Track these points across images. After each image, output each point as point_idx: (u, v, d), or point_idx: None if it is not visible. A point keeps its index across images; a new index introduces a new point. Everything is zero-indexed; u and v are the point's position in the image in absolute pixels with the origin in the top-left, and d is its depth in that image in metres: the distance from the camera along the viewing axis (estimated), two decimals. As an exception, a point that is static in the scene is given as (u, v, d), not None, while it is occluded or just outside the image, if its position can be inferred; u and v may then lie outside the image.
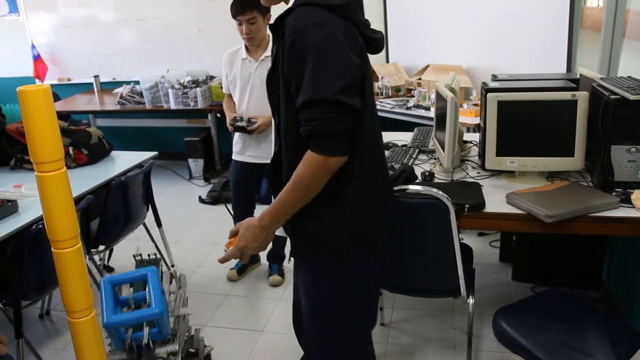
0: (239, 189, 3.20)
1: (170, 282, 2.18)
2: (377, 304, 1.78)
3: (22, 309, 2.32)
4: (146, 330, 1.96)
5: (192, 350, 2.30)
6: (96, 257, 3.02)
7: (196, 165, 5.20)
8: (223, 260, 1.56)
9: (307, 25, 1.36)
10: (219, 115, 4.98)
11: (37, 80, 5.53)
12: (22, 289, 2.30)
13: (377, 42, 1.54)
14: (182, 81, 5.01)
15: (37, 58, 5.60)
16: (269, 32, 2.96)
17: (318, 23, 1.37)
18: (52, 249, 1.33)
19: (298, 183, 1.44)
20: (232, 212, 3.18)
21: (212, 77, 5.21)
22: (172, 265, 3.47)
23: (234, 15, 2.84)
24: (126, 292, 2.00)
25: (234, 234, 1.57)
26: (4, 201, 2.35)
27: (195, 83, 5.02)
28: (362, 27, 1.48)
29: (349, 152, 1.43)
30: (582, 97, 2.11)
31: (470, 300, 2.19)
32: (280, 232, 1.65)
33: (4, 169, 3.00)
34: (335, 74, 1.35)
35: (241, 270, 3.34)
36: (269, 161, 2.97)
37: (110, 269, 3.42)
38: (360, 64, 1.41)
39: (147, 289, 1.93)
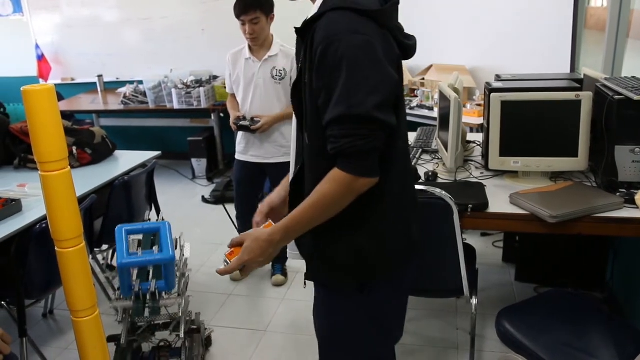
0: (241, 189, 3.20)
1: (176, 248, 2.24)
2: (398, 329, 1.63)
3: (25, 308, 2.32)
4: (153, 282, 2.03)
5: (194, 327, 2.37)
6: (99, 257, 3.02)
7: (199, 165, 5.20)
8: (223, 273, 1.44)
9: (341, 33, 1.23)
10: (222, 115, 4.98)
11: (41, 80, 5.55)
12: (25, 288, 2.31)
13: (409, 48, 1.42)
14: (185, 81, 5.02)
15: (41, 58, 5.61)
16: (272, 32, 2.99)
17: (353, 30, 1.24)
18: (55, 248, 1.33)
19: (319, 202, 1.31)
20: (230, 215, 3.18)
21: (215, 77, 5.22)
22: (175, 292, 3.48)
23: (238, 16, 2.84)
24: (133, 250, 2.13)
25: (236, 244, 1.44)
26: (7, 200, 2.36)
27: (199, 83, 5.02)
28: (396, 33, 1.36)
29: (380, 173, 1.30)
30: (586, 98, 2.10)
31: (474, 301, 2.19)
32: (294, 256, 1.57)
33: (7, 168, 3.01)
34: (371, 88, 1.23)
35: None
36: (272, 161, 3.05)
37: (113, 268, 3.43)
38: (397, 78, 1.30)
39: (156, 245, 2.08)
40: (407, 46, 1.40)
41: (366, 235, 1.39)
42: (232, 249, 1.45)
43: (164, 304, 2.09)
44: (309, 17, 1.33)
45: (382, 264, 1.42)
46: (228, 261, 1.44)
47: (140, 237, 2.19)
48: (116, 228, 2.08)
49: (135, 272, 2.10)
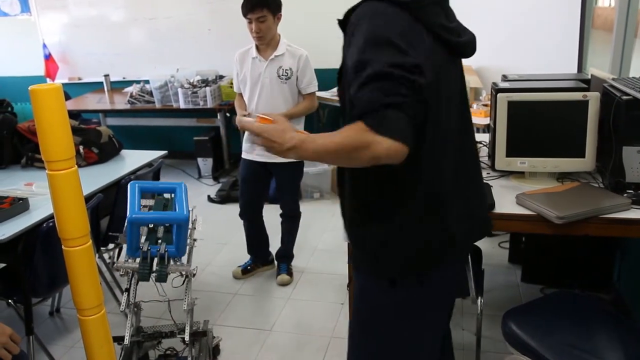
0: (247, 187, 3.21)
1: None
2: (433, 341, 1.57)
3: (32, 306, 2.33)
4: (163, 245, 1.97)
5: (199, 331, 2.34)
6: (105, 256, 3.03)
7: (205, 164, 5.21)
8: (240, 124, 1.37)
9: (365, 16, 1.29)
10: (228, 114, 4.99)
11: (48, 80, 5.58)
12: (32, 287, 2.32)
13: (462, 46, 1.41)
14: (191, 80, 5.03)
15: (48, 57, 5.64)
16: (279, 31, 2.99)
17: (377, 13, 1.28)
18: (62, 247, 1.33)
19: (336, 147, 1.21)
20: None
21: (221, 77, 5.22)
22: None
23: (245, 14, 2.85)
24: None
25: (270, 118, 1.31)
26: (15, 199, 2.37)
27: (205, 82, 5.03)
28: (438, 30, 1.34)
29: (412, 145, 1.20)
30: (593, 98, 2.09)
31: (479, 301, 2.18)
32: (344, 237, 1.56)
33: (15, 167, 3.02)
34: (386, 53, 1.21)
35: (247, 270, 3.35)
36: (277, 160, 3.04)
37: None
38: (416, 62, 1.24)
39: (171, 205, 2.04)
40: (456, 44, 1.39)
41: (394, 230, 1.38)
42: (266, 118, 1.33)
43: (172, 269, 2.00)
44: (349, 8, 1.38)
45: (409, 260, 1.41)
46: (256, 120, 1.33)
47: (152, 202, 2.12)
48: (129, 183, 2.00)
49: (144, 233, 2.01)
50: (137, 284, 2.09)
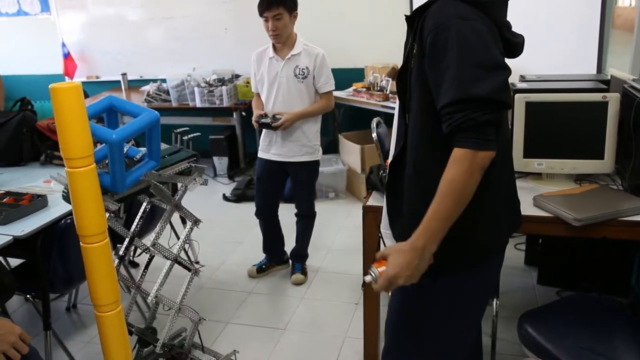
0: (262, 186, 3.22)
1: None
2: (473, 326, 1.61)
3: (50, 301, 2.36)
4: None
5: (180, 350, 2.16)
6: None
7: (221, 163, 5.24)
8: (378, 290, 1.38)
9: (450, 19, 1.29)
10: (244, 113, 5.01)
11: (66, 78, 5.64)
12: (50, 282, 2.34)
13: (517, 46, 1.45)
14: (208, 79, 5.05)
15: (67, 56, 5.71)
16: (296, 31, 3.00)
17: (462, 17, 1.29)
18: (80, 243, 1.35)
19: (448, 189, 1.28)
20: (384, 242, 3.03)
21: (237, 76, 5.24)
22: (197, 262, 3.50)
23: (261, 13, 2.86)
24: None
25: (382, 257, 1.39)
26: (34, 196, 2.40)
27: (221, 81, 5.05)
28: (504, 29, 1.39)
29: (496, 147, 1.30)
30: (613, 99, 2.06)
31: (495, 303, 2.16)
32: (387, 234, 1.56)
33: (34, 164, 3.06)
34: (484, 72, 1.26)
35: (262, 269, 3.36)
36: (293, 159, 3.06)
37: (135, 264, 3.47)
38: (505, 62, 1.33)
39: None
40: (514, 44, 1.43)
41: (468, 222, 1.37)
42: (380, 260, 1.38)
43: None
44: (420, 5, 1.39)
45: (477, 251, 1.42)
46: (374, 271, 1.37)
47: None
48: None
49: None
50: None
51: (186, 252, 3.36)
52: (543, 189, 2.11)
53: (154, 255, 2.09)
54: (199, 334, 2.20)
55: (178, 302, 2.09)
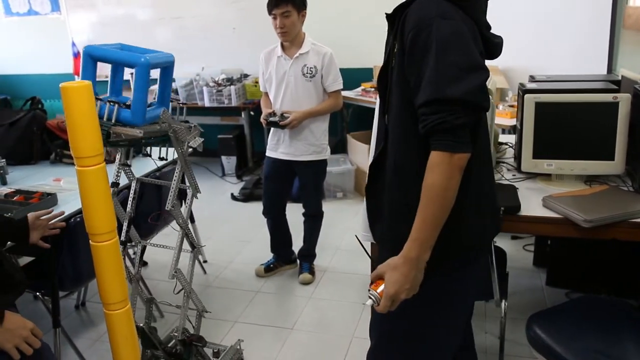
0: (270, 185, 3.22)
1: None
2: (458, 327, 1.60)
3: (59, 299, 2.38)
4: (116, 107, 1.74)
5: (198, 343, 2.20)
6: (130, 251, 3.07)
7: (229, 162, 5.25)
8: (382, 311, 1.36)
9: (432, 18, 1.28)
10: (252, 113, 5.02)
11: (76, 77, 5.67)
12: (59, 280, 2.36)
13: (496, 47, 1.44)
14: (216, 79, 5.07)
15: (77, 55, 5.74)
16: (304, 30, 3.00)
17: (443, 15, 1.28)
18: (90, 242, 1.35)
19: (432, 192, 1.29)
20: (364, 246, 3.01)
21: (246, 75, 5.25)
22: (205, 261, 3.51)
23: (270, 10, 2.87)
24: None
25: (377, 277, 1.38)
26: (43, 194, 2.41)
27: (230, 81, 5.07)
28: (483, 29, 1.39)
29: (472, 148, 1.31)
30: (623, 100, 2.05)
31: (503, 304, 2.16)
32: (366, 237, 1.55)
33: (44, 163, 3.08)
34: (461, 72, 1.26)
35: (270, 268, 3.36)
36: (301, 158, 3.06)
37: (144, 263, 3.48)
38: (484, 64, 1.33)
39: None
40: (493, 44, 1.42)
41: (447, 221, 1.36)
42: (376, 281, 1.38)
43: (123, 132, 1.79)
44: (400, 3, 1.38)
45: (451, 249, 1.40)
46: (374, 294, 1.36)
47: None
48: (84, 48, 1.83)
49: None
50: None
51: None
52: (552, 190, 2.10)
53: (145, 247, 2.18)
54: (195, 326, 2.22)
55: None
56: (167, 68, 1.89)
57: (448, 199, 1.29)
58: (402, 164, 1.40)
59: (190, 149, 2.10)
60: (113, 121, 1.78)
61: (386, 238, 1.50)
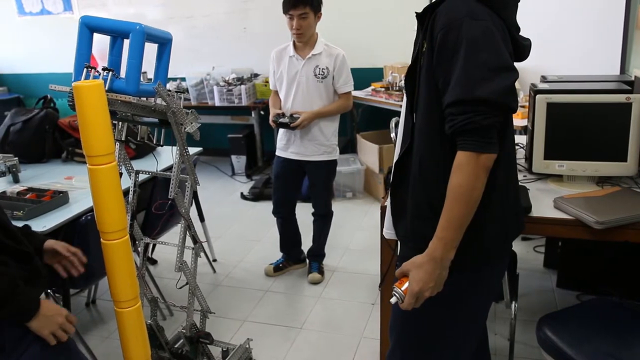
0: (279, 184, 3.23)
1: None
2: (478, 327, 1.60)
3: (70, 297, 2.39)
4: (110, 74, 1.74)
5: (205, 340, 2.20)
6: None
7: (239, 162, 5.26)
8: (407, 308, 1.36)
9: (461, 18, 1.28)
10: (262, 112, 5.03)
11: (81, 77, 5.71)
12: (70, 278, 2.37)
13: (524, 49, 1.44)
14: (227, 78, 5.08)
15: (88, 54, 5.78)
16: (318, 31, 3.00)
17: (473, 16, 1.28)
18: (101, 239, 1.36)
19: (458, 193, 1.29)
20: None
21: (256, 75, 5.27)
22: (214, 260, 3.52)
23: (286, 10, 2.86)
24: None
25: (402, 274, 1.39)
26: (55, 192, 2.43)
27: (240, 80, 5.08)
28: (513, 30, 1.38)
29: (498, 150, 1.31)
30: (637, 100, 2.03)
31: (514, 306, 2.14)
32: (389, 235, 1.56)
33: (56, 161, 3.10)
34: (490, 73, 1.26)
35: (279, 268, 3.36)
36: (311, 159, 3.06)
37: (153, 261, 3.50)
38: (514, 65, 1.32)
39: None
40: (522, 46, 1.42)
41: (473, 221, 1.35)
42: (401, 279, 1.39)
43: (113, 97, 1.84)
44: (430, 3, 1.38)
45: (474, 253, 1.40)
46: (398, 291, 1.37)
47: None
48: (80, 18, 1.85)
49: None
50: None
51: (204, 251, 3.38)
52: (564, 191, 2.09)
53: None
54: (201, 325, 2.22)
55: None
56: (164, 45, 1.95)
57: (473, 200, 1.30)
58: (427, 163, 1.40)
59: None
60: (106, 88, 1.76)
61: (409, 236, 1.49)
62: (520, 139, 2.76)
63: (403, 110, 1.53)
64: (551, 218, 1.91)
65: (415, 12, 1.43)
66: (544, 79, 2.56)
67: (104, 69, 1.81)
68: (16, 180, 2.73)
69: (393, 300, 1.38)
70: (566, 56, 3.83)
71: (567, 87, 2.34)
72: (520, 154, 2.57)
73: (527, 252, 3.41)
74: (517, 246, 3.43)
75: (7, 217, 1.63)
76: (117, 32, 1.86)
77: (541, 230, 2.05)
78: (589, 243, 2.63)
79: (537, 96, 2.14)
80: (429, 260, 1.33)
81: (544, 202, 2.00)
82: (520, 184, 2.18)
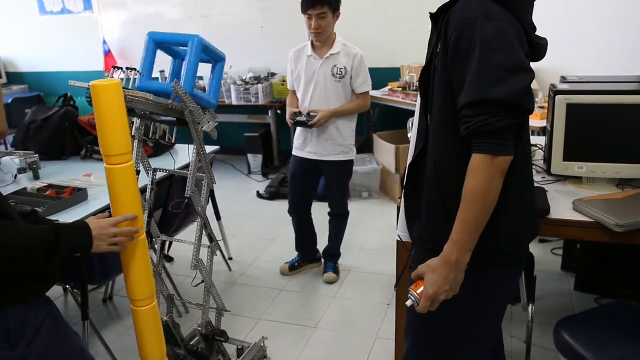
0: (296, 184, 3.23)
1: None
2: (494, 329, 1.58)
3: (88, 292, 2.42)
4: (136, 75, 1.94)
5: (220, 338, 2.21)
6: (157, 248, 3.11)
7: (255, 160, 5.28)
8: (423, 311, 1.35)
9: (476, 18, 1.26)
10: (279, 112, 5.04)
11: (106, 75, 5.76)
12: (88, 274, 2.40)
13: (541, 48, 1.41)
14: (244, 77, 5.10)
15: (107, 53, 5.84)
16: (335, 30, 2.99)
17: (487, 16, 1.26)
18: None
19: (472, 197, 1.28)
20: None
21: (273, 74, 5.27)
22: (230, 258, 3.54)
23: (305, 10, 2.86)
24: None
25: (417, 277, 1.38)
26: (74, 189, 2.46)
27: (257, 80, 5.09)
28: (529, 30, 1.36)
29: (514, 152, 1.29)
30: (659, 101, 1.99)
31: (531, 309, 2.12)
32: (404, 237, 1.55)
33: (75, 158, 3.14)
34: (504, 74, 1.24)
35: (295, 267, 3.37)
36: (328, 158, 3.06)
37: (170, 259, 3.53)
38: (530, 65, 1.30)
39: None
40: (538, 45, 1.40)
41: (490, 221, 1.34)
42: (417, 282, 1.38)
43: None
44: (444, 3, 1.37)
45: (478, 262, 1.38)
46: (414, 294, 1.36)
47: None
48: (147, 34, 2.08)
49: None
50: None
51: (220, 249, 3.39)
52: (583, 193, 2.06)
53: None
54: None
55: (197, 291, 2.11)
56: (218, 63, 2.19)
57: (489, 203, 1.28)
58: (442, 165, 1.39)
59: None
60: (135, 86, 1.98)
61: (423, 238, 1.49)
62: (539, 140, 2.73)
63: (417, 112, 1.52)
64: (570, 220, 1.88)
65: (430, 13, 1.42)
66: (563, 80, 2.52)
67: (128, 69, 1.90)
68: (36, 177, 2.77)
69: (409, 303, 1.37)
70: (586, 56, 3.77)
71: (588, 88, 2.31)
72: (539, 155, 2.54)
73: (544, 255, 3.37)
74: (535, 248, 3.39)
75: (11, 208, 1.51)
76: (179, 43, 2.09)
77: (560, 232, 2.02)
78: (608, 246, 2.60)
79: (557, 97, 2.11)
80: (444, 263, 1.31)
81: (562, 204, 1.98)
82: (539, 185, 2.17)
